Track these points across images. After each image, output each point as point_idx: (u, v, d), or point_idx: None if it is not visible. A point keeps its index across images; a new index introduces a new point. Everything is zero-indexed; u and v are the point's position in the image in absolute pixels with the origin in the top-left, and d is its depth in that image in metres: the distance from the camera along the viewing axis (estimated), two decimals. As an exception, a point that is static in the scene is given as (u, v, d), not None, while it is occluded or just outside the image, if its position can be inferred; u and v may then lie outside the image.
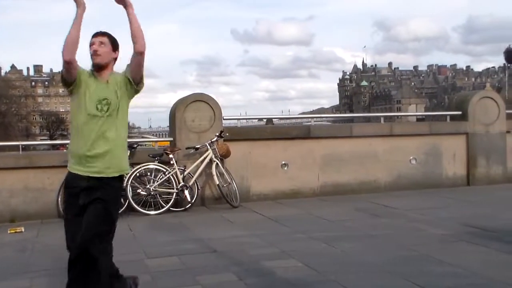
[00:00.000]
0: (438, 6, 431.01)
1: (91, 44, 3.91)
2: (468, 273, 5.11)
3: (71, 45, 3.71)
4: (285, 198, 10.13)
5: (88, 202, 3.80)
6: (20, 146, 9.68)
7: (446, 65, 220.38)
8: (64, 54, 3.72)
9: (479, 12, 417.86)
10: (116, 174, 3.92)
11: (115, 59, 4.02)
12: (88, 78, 3.91)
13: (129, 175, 9.02)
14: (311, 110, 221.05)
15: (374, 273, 5.26)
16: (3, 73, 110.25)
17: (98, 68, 3.94)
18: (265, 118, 17.69)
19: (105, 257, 3.87)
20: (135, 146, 9.73)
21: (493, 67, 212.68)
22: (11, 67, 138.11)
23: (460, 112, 11.70)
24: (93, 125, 3.81)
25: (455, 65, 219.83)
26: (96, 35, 3.96)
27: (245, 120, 14.87)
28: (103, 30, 4.05)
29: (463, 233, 6.83)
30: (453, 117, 11.87)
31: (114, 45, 4.00)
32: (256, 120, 22.85)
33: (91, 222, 3.77)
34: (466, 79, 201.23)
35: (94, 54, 3.90)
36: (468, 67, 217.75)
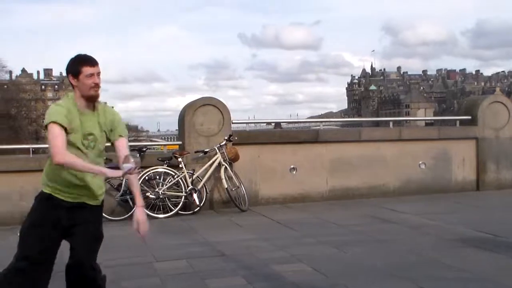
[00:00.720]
0: (446, 10, 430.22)
1: (89, 75, 3.59)
2: (477, 278, 5.10)
3: (69, 167, 3.54)
4: (294, 202, 10.12)
5: (74, 224, 3.66)
6: (30, 149, 9.74)
7: (455, 70, 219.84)
8: (61, 164, 3.51)
9: (487, 16, 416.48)
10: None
11: None
12: (70, 113, 3.59)
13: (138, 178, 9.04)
14: (320, 114, 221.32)
15: (383, 277, 5.25)
16: (13, 77, 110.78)
17: (94, 100, 3.68)
18: (273, 122, 17.64)
19: (99, 273, 3.83)
20: (144, 149, 9.75)
21: (503, 71, 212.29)
22: (21, 70, 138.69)
23: (469, 117, 11.65)
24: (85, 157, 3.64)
25: (464, 69, 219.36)
26: (93, 64, 3.64)
27: (253, 124, 14.90)
28: (93, 56, 3.72)
29: (472, 238, 6.80)
30: (462, 122, 11.83)
31: None
32: (265, 124, 22.79)
33: (90, 245, 3.72)
34: (476, 83, 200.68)
35: (95, 87, 3.61)
36: (477, 71, 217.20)
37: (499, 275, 5.19)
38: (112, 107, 4.21)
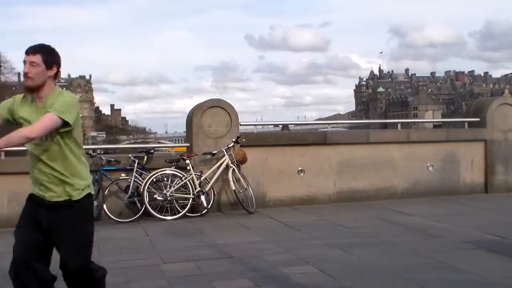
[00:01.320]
0: (453, 12, 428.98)
1: (24, 63, 3.52)
2: (485, 281, 5.08)
3: None
4: (301, 204, 10.12)
5: (57, 229, 3.58)
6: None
7: (463, 72, 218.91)
8: None
9: (495, 18, 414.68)
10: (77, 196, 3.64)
11: (56, 74, 3.60)
12: (21, 104, 3.59)
13: (146, 180, 9.07)
14: (327, 116, 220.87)
15: (390, 279, 5.24)
16: (22, 79, 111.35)
17: (31, 91, 3.56)
18: (281, 124, 17.65)
19: (96, 271, 3.79)
20: (152, 151, 9.78)
21: None
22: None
23: (478, 119, 11.60)
24: (38, 152, 3.55)
25: (472, 71, 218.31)
26: (28, 52, 3.52)
27: (261, 126, 14.90)
28: (40, 43, 3.60)
29: (480, 241, 6.78)
30: (471, 124, 11.77)
31: (49, 63, 3.54)
32: (272, 126, 22.81)
33: (77, 253, 3.62)
34: (484, 85, 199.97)
35: (25, 76, 3.51)
36: (486, 73, 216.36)
37: (507, 277, 5.18)
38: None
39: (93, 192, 3.76)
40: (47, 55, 3.55)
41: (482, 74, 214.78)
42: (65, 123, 3.49)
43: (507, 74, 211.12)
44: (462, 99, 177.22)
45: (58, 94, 3.59)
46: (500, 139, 11.44)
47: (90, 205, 3.79)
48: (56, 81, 3.66)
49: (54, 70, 3.57)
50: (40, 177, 3.60)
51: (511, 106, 11.67)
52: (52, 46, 3.65)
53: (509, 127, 11.50)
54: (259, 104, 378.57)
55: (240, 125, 10.19)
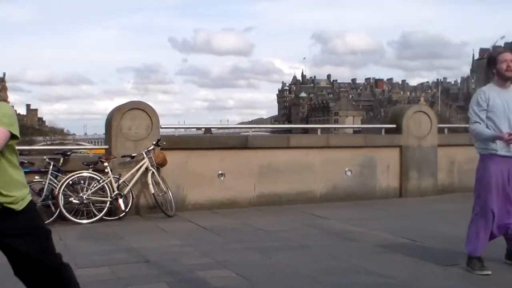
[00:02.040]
0: (373, 21, 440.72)
1: None
2: (399, 284, 5.22)
3: None
4: (221, 208, 10.09)
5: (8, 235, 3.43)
6: None
7: (382, 79, 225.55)
8: None
9: (412, 29, 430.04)
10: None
11: None
12: None
13: (61, 182, 8.81)
14: (250, 120, 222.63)
15: (306, 283, 5.31)
16: None
17: None
18: (203, 128, 17.56)
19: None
20: (69, 153, 9.52)
21: (427, 82, 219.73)
22: None
23: (394, 125, 11.93)
24: None
25: (391, 79, 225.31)
26: None
27: (183, 129, 14.78)
28: None
29: (394, 244, 6.97)
30: (388, 130, 12.11)
31: None
32: (195, 129, 22.66)
33: (37, 254, 3.52)
34: (402, 93, 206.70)
35: None
36: (403, 81, 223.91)
37: (420, 279, 5.35)
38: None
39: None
40: None
41: (400, 82, 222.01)
42: (13, 136, 3.30)
43: (423, 83, 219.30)
44: (381, 106, 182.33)
45: None
46: (414, 145, 11.82)
47: (34, 209, 3.65)
48: None
49: None
50: None
51: (425, 114, 12.10)
52: None
53: (423, 134, 11.90)
54: (181, 107, 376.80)
55: (161, 127, 10.08)
